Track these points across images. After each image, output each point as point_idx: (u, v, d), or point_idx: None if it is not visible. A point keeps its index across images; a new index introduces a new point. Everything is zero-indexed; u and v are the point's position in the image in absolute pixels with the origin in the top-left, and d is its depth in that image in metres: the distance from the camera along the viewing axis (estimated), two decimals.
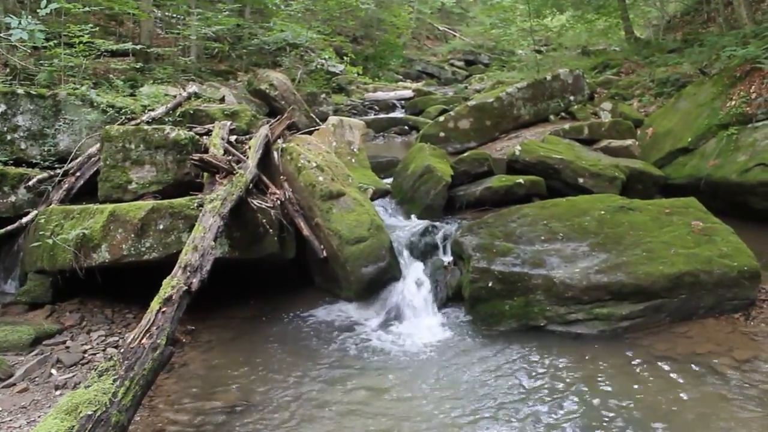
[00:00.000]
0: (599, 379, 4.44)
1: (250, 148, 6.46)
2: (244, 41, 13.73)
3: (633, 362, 4.65)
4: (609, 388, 4.30)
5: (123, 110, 7.48)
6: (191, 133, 6.91)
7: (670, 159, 8.18)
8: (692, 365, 4.52)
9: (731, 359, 4.54)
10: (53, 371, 4.78)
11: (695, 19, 14.14)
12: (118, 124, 7.01)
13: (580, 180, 7.43)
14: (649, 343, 4.90)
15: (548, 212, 6.07)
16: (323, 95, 13.44)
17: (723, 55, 8.60)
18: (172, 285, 4.15)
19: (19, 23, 6.88)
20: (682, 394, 4.17)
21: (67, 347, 5.14)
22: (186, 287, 4.20)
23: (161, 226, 5.41)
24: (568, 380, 4.45)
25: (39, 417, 4.03)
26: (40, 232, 5.68)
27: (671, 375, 4.42)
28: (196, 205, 5.44)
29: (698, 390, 4.20)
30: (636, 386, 4.31)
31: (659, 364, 4.58)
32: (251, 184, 5.81)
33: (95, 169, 6.72)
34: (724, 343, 4.78)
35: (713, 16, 13.05)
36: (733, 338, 4.85)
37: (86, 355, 5.02)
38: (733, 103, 7.74)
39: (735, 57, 8.17)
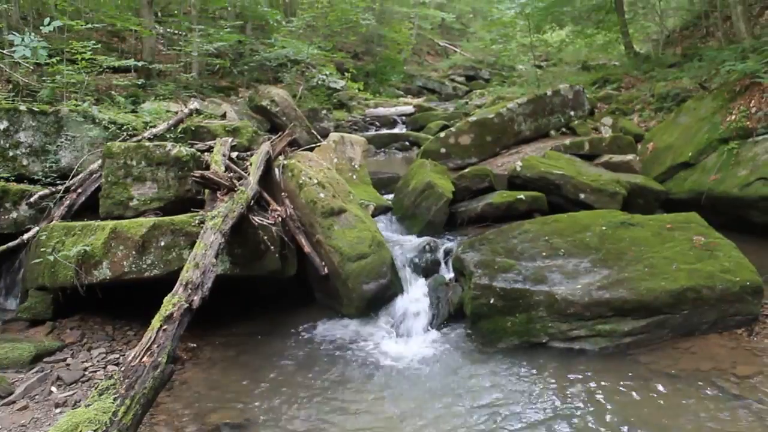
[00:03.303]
0: (601, 396, 4.41)
1: (251, 164, 6.49)
2: (245, 57, 13.83)
3: (635, 379, 4.61)
4: (611, 405, 4.27)
5: (125, 127, 7.50)
6: (193, 149, 6.95)
7: (671, 174, 8.18)
8: (695, 381, 4.49)
9: (734, 375, 4.51)
10: (53, 389, 4.75)
11: (694, 34, 14.21)
12: (120, 141, 7.04)
13: (581, 195, 7.42)
14: (651, 360, 4.88)
15: (549, 228, 6.07)
16: (324, 111, 13.51)
17: (722, 70, 8.64)
18: (173, 302, 4.14)
19: (23, 40, 6.94)
20: (684, 411, 4.13)
21: (68, 364, 5.11)
22: (187, 305, 4.20)
23: (162, 243, 5.42)
24: (569, 397, 4.42)
25: None
26: (42, 249, 5.67)
27: (674, 392, 4.39)
28: (197, 221, 5.45)
29: (700, 407, 4.17)
30: (638, 403, 4.28)
31: (662, 380, 4.55)
32: (252, 201, 5.82)
33: (97, 185, 6.72)
34: (727, 359, 4.75)
35: (712, 31, 13.13)
36: (736, 354, 4.82)
37: (87, 373, 4.99)
38: (734, 117, 7.75)
39: (734, 71, 8.20)
